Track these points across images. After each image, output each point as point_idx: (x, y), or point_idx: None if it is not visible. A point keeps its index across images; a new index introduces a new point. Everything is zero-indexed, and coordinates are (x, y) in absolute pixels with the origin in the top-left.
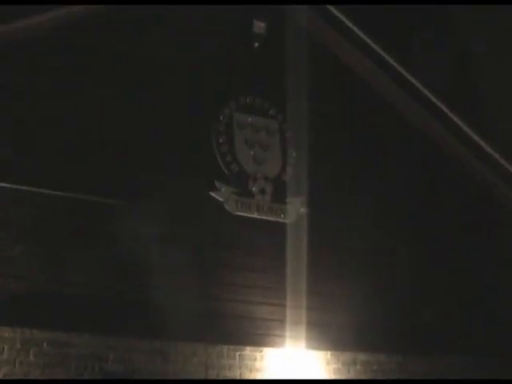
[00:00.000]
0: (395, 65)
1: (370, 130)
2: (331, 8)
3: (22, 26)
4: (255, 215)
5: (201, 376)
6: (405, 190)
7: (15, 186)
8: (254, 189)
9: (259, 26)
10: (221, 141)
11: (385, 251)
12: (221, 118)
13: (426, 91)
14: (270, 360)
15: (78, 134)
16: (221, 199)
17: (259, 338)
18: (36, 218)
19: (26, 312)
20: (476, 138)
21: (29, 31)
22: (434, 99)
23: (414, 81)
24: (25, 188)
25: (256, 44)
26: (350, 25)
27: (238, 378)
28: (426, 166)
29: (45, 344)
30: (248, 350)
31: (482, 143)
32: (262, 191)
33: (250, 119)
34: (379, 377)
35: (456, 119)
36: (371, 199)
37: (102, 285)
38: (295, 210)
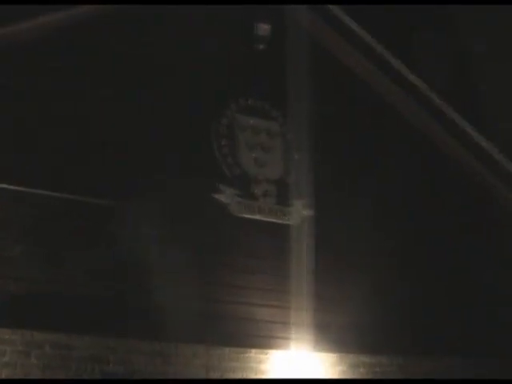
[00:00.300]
0: (396, 65)
1: (372, 131)
2: (332, 9)
3: (24, 28)
4: (258, 217)
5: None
6: (406, 190)
7: (15, 187)
8: (256, 191)
9: (264, 28)
10: (222, 143)
11: (388, 253)
12: (222, 119)
13: (426, 92)
14: (275, 362)
15: (78, 134)
16: (224, 201)
17: (264, 340)
18: (36, 219)
19: (26, 314)
20: (476, 138)
21: (30, 33)
22: (434, 100)
23: (414, 81)
24: (25, 189)
25: (261, 46)
26: (351, 26)
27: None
28: (427, 166)
29: (46, 346)
30: (253, 353)
31: (483, 144)
32: (265, 193)
33: (251, 121)
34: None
35: (456, 120)
36: (374, 200)
37: (103, 285)
38: (298, 212)
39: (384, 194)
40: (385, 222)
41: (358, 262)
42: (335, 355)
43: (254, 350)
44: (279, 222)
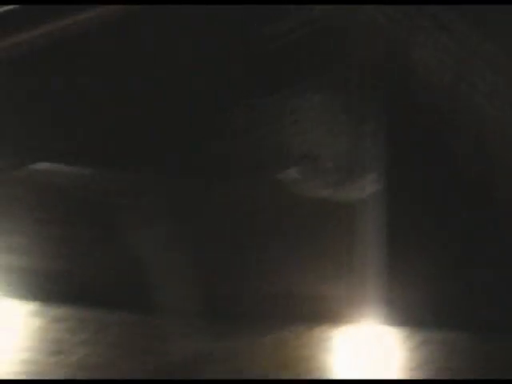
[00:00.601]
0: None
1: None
2: None
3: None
4: (324, 195)
5: (276, 357)
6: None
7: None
8: (322, 168)
9: None
10: (287, 122)
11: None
12: (285, 98)
13: None
14: (344, 338)
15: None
16: (289, 181)
17: (332, 316)
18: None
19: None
20: None
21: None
22: None
23: None
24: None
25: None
26: None
27: (312, 357)
28: None
29: (116, 325)
30: (321, 329)
31: None
32: (330, 170)
33: (314, 99)
34: (454, 356)
35: None
36: (444, 175)
37: None
38: (365, 188)
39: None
40: (455, 194)
41: (430, 236)
42: (405, 330)
43: (322, 327)
44: (347, 198)
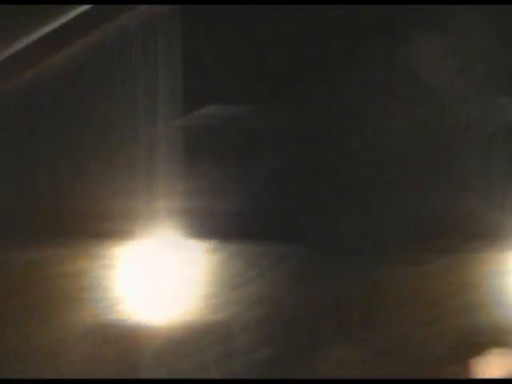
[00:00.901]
0: None
1: None
2: None
3: None
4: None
5: (444, 284)
6: None
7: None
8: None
9: None
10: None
11: None
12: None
13: None
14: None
15: None
16: None
17: (499, 238)
18: None
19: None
20: None
21: None
22: None
23: None
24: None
25: None
26: None
27: (481, 283)
28: None
29: (290, 258)
30: (487, 254)
31: None
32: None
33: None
34: None
35: None
36: None
37: None
38: None
39: None
40: None
41: None
42: None
43: (488, 251)
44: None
